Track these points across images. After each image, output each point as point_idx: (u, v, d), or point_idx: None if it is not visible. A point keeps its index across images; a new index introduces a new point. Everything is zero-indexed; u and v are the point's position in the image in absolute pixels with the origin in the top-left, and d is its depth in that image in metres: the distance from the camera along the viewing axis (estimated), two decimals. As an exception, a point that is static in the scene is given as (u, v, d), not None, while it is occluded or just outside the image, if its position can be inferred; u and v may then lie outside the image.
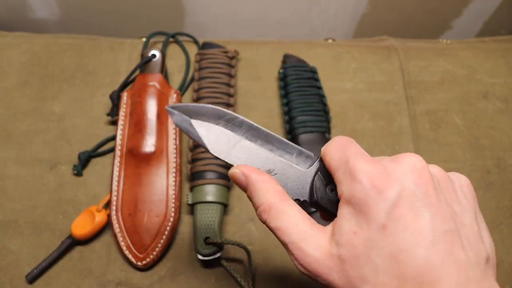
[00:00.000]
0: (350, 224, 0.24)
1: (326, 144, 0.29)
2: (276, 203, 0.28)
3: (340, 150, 0.27)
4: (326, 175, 0.30)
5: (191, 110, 0.31)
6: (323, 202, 0.29)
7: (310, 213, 0.29)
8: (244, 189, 0.29)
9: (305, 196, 0.30)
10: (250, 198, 0.29)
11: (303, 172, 0.30)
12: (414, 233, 0.23)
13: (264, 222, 0.28)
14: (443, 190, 0.25)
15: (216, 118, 0.31)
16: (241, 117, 0.32)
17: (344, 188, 0.25)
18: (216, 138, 0.31)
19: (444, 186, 0.26)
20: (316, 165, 0.30)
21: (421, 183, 0.24)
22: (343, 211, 0.25)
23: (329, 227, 0.26)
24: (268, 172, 0.30)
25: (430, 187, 0.24)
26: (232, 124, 0.31)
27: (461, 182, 0.27)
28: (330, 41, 0.70)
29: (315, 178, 0.30)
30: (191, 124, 0.31)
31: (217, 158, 0.31)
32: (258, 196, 0.28)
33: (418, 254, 0.22)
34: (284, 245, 0.27)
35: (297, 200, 0.30)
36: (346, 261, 0.24)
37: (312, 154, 0.31)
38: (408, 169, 0.25)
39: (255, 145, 0.31)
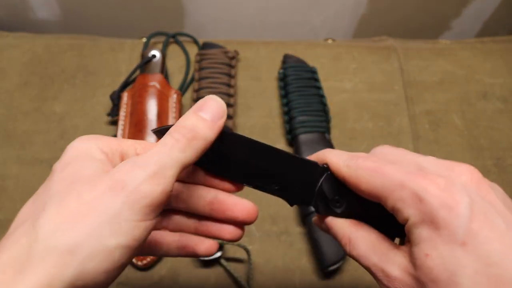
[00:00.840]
0: (421, 247, 0.23)
1: (347, 169, 0.27)
2: (352, 232, 0.28)
3: (378, 176, 0.25)
4: (330, 188, 0.29)
5: None
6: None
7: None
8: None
9: (310, 202, 0.30)
10: (335, 238, 0.29)
11: (307, 183, 0.29)
12: (498, 244, 0.21)
13: (350, 254, 0.28)
14: (501, 196, 0.25)
15: None
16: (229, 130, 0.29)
17: (408, 213, 0.24)
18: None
19: (500, 193, 0.25)
20: (320, 176, 0.29)
21: (484, 193, 0.24)
22: (413, 235, 0.24)
23: (407, 245, 0.25)
24: (271, 184, 0.29)
25: (493, 195, 0.24)
26: None
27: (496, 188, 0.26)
28: (330, 41, 0.70)
29: (318, 192, 0.29)
30: None
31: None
32: (337, 233, 0.28)
33: (510, 263, 0.21)
34: (368, 269, 0.26)
35: (304, 203, 0.30)
36: (426, 284, 0.23)
37: (316, 162, 0.30)
38: (469, 179, 0.24)
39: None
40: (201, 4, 0.79)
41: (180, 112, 0.57)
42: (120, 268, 0.23)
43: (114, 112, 0.57)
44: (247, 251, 0.47)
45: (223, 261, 0.49)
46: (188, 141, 0.25)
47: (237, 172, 0.29)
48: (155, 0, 0.78)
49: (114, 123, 0.58)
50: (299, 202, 0.30)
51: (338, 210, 0.29)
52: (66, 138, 0.57)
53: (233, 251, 0.50)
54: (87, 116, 0.59)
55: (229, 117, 0.56)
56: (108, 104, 0.59)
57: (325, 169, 0.29)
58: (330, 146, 0.55)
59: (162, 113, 0.55)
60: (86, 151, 0.25)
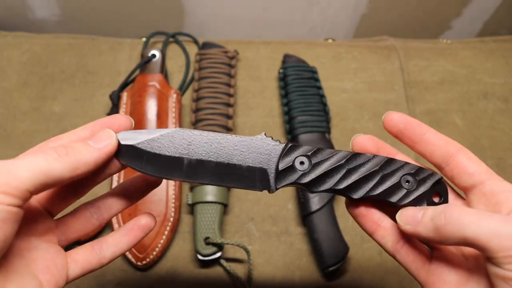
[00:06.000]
0: None
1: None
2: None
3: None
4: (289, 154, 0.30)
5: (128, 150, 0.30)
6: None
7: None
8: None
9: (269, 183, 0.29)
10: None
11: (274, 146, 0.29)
12: None
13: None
14: None
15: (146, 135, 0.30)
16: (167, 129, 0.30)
17: None
18: (164, 147, 0.29)
19: None
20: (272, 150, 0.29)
21: None
22: None
23: None
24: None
25: None
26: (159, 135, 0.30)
27: None
28: (330, 41, 0.70)
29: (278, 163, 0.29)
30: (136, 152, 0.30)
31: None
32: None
33: None
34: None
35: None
36: None
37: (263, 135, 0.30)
38: None
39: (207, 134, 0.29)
40: (201, 4, 0.78)
41: (180, 112, 0.57)
42: None
43: (113, 112, 0.57)
44: (247, 251, 0.47)
45: (223, 261, 0.49)
46: (58, 155, 0.27)
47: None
48: (155, 0, 0.78)
49: (114, 123, 0.58)
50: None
51: (307, 176, 0.29)
52: (65, 138, 0.57)
53: (233, 251, 0.50)
54: (86, 116, 0.59)
55: (229, 117, 0.56)
56: (107, 104, 0.59)
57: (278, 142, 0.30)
58: (330, 146, 0.55)
59: (161, 113, 0.55)
60: None
